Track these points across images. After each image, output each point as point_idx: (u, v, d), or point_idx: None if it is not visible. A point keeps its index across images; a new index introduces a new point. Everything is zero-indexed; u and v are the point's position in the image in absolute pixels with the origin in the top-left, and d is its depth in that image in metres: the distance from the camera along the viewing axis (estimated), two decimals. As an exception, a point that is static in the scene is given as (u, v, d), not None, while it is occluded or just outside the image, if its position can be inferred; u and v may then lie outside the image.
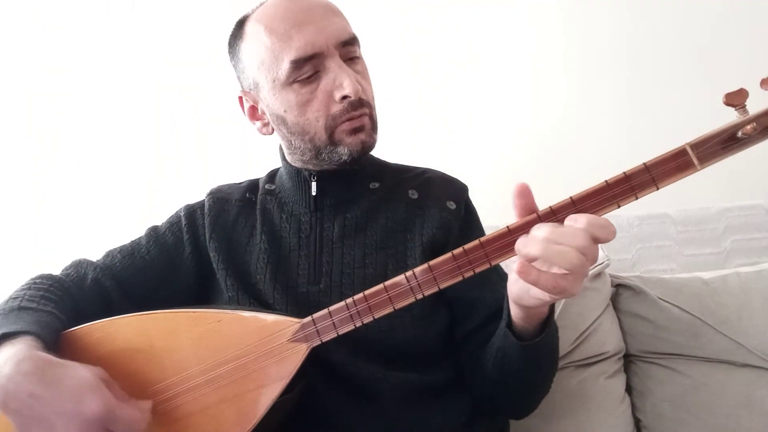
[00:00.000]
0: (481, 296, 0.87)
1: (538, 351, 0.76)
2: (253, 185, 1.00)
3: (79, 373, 0.67)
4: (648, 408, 1.15)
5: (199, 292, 0.93)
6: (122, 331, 0.77)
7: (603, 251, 1.17)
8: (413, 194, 0.93)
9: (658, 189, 0.62)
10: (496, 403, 0.87)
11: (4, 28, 1.58)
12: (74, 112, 1.60)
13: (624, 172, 0.62)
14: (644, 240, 1.28)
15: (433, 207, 0.91)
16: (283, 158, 0.96)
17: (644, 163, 0.62)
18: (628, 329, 1.18)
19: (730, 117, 0.61)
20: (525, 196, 0.64)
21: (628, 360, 1.19)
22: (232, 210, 0.95)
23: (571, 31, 1.54)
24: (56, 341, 0.75)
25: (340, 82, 0.82)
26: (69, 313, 0.81)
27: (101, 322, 0.78)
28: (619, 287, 1.19)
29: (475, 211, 0.98)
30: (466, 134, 1.56)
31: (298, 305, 0.85)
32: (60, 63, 1.59)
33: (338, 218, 0.91)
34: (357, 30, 0.88)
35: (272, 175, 1.00)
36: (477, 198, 0.99)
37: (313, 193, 0.91)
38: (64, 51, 1.59)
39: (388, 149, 1.00)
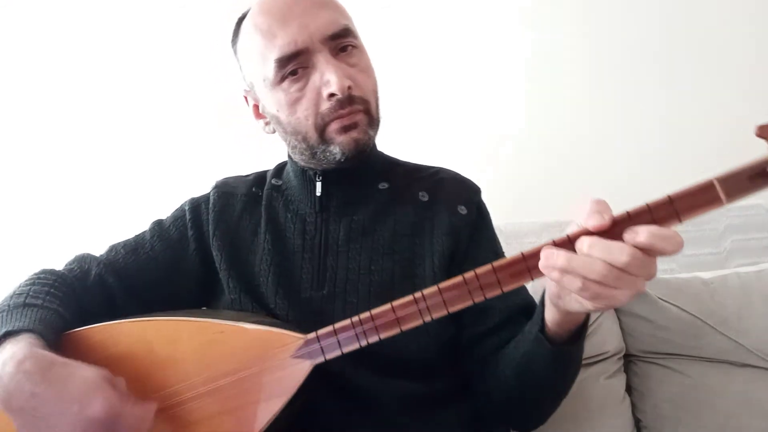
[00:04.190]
0: (492, 303, 0.83)
1: (569, 359, 0.73)
2: (259, 179, 0.96)
3: (83, 372, 0.66)
4: (648, 408, 1.15)
5: (203, 289, 0.91)
6: (124, 335, 0.75)
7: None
8: (423, 196, 0.90)
9: (680, 222, 0.58)
10: (509, 412, 0.84)
11: (4, 28, 1.58)
12: (76, 106, 1.59)
13: (647, 204, 0.59)
14: (644, 240, 1.28)
15: (444, 211, 0.87)
16: (289, 155, 0.93)
17: (668, 195, 0.59)
18: (628, 329, 1.18)
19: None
20: (605, 212, 0.59)
21: (628, 360, 1.19)
22: (237, 205, 0.92)
23: (577, 33, 1.54)
24: (58, 341, 0.74)
25: (327, 79, 0.78)
26: (73, 311, 0.79)
27: (103, 325, 0.76)
28: (619, 287, 1.18)
29: (488, 215, 0.94)
30: (468, 133, 1.57)
31: (301, 311, 0.83)
32: (61, 55, 1.58)
33: (344, 220, 0.87)
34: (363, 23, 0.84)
35: (280, 169, 0.97)
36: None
37: (318, 194, 0.88)
38: (64, 47, 1.59)
39: (396, 147, 0.97)
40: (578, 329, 0.71)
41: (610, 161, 1.53)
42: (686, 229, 1.28)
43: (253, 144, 1.47)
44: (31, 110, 1.59)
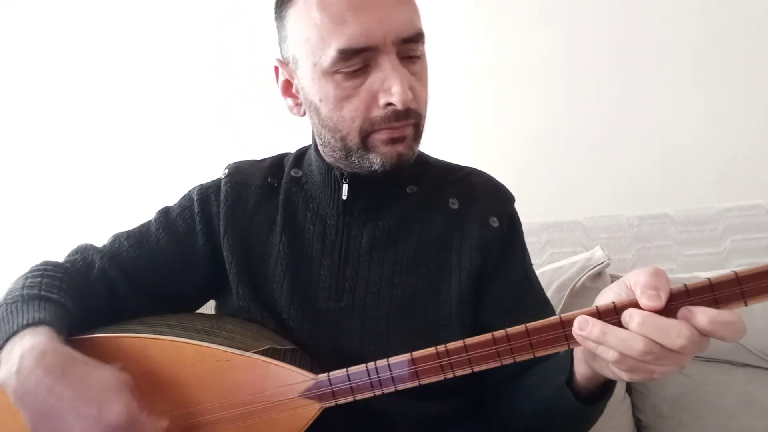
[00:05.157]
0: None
1: (594, 412, 0.70)
2: (276, 166, 0.89)
3: (103, 374, 0.63)
4: (648, 408, 1.15)
5: (211, 286, 0.87)
6: (126, 351, 0.72)
7: (603, 251, 1.17)
8: (453, 204, 0.83)
9: (746, 305, 0.53)
10: None
11: (4, 28, 1.58)
12: (76, 103, 1.59)
13: (709, 279, 0.53)
14: (644, 240, 1.28)
15: (474, 222, 0.81)
16: (315, 146, 0.84)
17: (735, 273, 0.52)
18: (629, 329, 1.17)
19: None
20: (662, 290, 0.53)
21: (629, 360, 1.19)
22: (251, 198, 0.85)
23: (577, 34, 1.55)
24: (68, 341, 0.70)
25: (389, 86, 0.70)
26: (78, 308, 0.76)
27: (105, 336, 0.73)
28: (619, 287, 1.19)
29: (520, 227, 0.87)
30: (467, 133, 1.57)
31: (316, 323, 0.78)
32: (62, 54, 1.58)
33: (368, 226, 0.81)
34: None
35: (300, 157, 0.89)
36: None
37: (344, 197, 0.81)
38: (65, 47, 1.59)
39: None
40: (606, 382, 0.66)
41: (611, 161, 1.53)
42: (686, 229, 1.28)
43: (253, 144, 1.48)
44: (33, 110, 1.59)
